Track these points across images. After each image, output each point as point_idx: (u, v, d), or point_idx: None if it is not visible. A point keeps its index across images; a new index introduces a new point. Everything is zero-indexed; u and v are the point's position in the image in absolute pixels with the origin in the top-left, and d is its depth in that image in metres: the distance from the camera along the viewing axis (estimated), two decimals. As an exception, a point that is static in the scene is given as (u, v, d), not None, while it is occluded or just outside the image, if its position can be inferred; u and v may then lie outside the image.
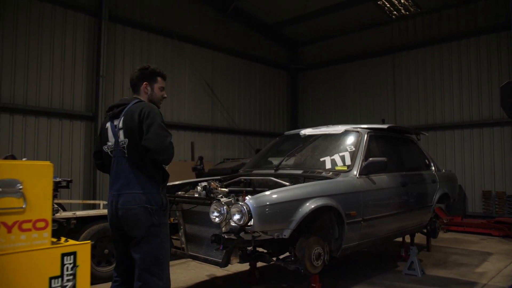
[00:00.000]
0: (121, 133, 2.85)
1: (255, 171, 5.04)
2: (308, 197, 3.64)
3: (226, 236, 3.33)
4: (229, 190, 4.09)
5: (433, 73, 10.91)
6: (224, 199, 3.57)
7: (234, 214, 3.32)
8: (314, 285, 4.12)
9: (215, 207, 3.44)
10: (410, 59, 11.39)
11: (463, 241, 7.64)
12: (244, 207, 3.27)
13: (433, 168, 6.08)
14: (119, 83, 9.67)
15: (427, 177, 5.68)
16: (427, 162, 6.06)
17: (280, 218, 3.45)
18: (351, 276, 5.20)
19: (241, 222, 3.27)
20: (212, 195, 3.89)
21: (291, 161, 4.88)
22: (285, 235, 3.47)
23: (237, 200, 3.68)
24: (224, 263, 3.50)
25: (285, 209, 3.48)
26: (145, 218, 2.77)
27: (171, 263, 5.99)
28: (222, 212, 3.39)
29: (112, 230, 2.96)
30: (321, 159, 4.58)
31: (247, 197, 3.57)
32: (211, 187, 4.26)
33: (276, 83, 14.13)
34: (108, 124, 2.95)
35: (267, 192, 3.50)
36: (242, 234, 3.38)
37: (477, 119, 10.06)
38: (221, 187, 4.53)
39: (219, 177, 5.18)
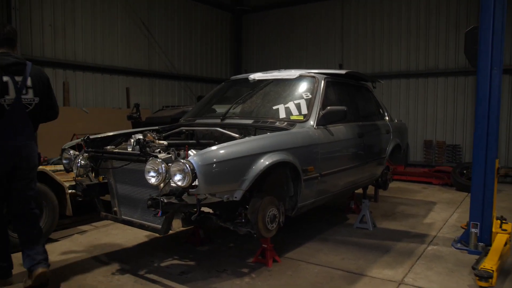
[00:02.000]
0: (30, 91, 3.19)
1: (198, 121, 4.43)
2: (262, 152, 3.13)
3: (165, 200, 2.76)
4: (168, 143, 3.48)
5: (382, 19, 10.56)
6: (162, 155, 2.96)
7: (175, 174, 2.74)
8: (265, 245, 3.75)
9: (151, 165, 2.83)
10: (360, 4, 10.92)
11: (407, 190, 7.70)
12: (187, 165, 2.69)
13: (387, 118, 5.81)
14: (37, 18, 8.32)
15: (381, 127, 5.39)
16: (381, 112, 5.77)
17: (230, 177, 2.92)
18: (302, 232, 4.91)
19: (184, 184, 2.71)
20: (148, 149, 3.27)
21: (239, 109, 4.32)
22: (236, 197, 2.97)
23: (178, 155, 3.10)
24: (164, 230, 2.97)
25: (236, 167, 2.95)
26: (38, 161, 3.38)
27: (105, 223, 5.39)
28: (160, 171, 2.79)
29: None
30: (274, 107, 4.06)
31: (190, 152, 3.00)
32: (147, 139, 3.63)
33: (220, 25, 13.14)
34: (8, 79, 3.09)
35: (214, 147, 2.94)
36: (185, 196, 2.84)
37: (423, 69, 9.98)
38: (159, 140, 3.91)
39: (157, 127, 4.52)
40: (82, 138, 3.52)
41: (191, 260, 4.03)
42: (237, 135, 3.56)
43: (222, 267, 3.82)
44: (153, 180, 2.81)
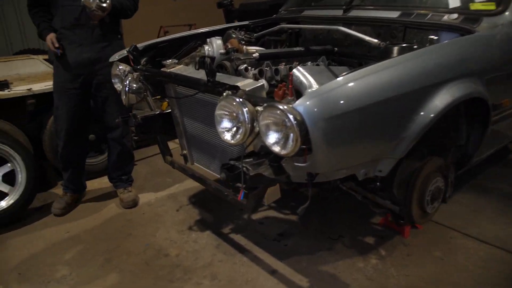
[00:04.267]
0: None
1: (306, 12, 2.93)
2: (436, 83, 1.64)
3: (251, 172, 1.53)
4: (260, 54, 2.15)
5: None
6: (246, 83, 1.67)
7: (268, 132, 1.45)
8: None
9: (225, 108, 1.57)
10: None
11: None
12: (291, 116, 1.36)
13: None
14: None
15: None
16: None
17: (373, 136, 1.54)
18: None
19: (286, 151, 1.42)
20: (231, 63, 2.02)
21: (374, -8, 2.70)
22: (380, 172, 1.63)
23: (276, 73, 1.78)
24: (251, 209, 1.81)
25: (388, 116, 1.53)
26: None
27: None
28: (241, 119, 1.52)
29: None
30: (438, -11, 2.38)
31: (297, 73, 1.65)
32: (229, 46, 2.36)
33: None
34: None
35: (341, 78, 1.51)
36: (285, 163, 1.57)
37: None
38: (249, 44, 2.62)
39: (246, 22, 3.14)
40: (129, 47, 2.32)
41: (294, 213, 2.94)
42: (375, 40, 2.06)
43: (336, 233, 2.67)
44: (228, 137, 1.57)
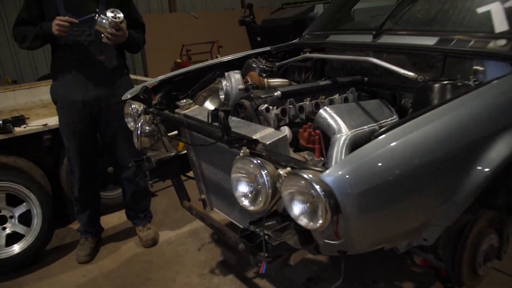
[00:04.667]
0: None
1: (332, 38, 2.71)
2: (489, 133, 1.38)
3: (274, 240, 1.33)
4: (281, 93, 1.96)
5: None
6: (266, 134, 1.48)
7: (292, 201, 1.25)
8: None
9: (241, 170, 1.38)
10: None
11: None
12: (318, 187, 1.13)
13: None
14: None
15: None
16: None
17: (419, 205, 1.29)
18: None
19: (315, 225, 1.19)
20: (248, 102, 1.84)
21: (406, 15, 2.45)
22: (426, 241, 1.39)
23: (299, 111, 1.59)
24: (274, 272, 1.59)
25: (435, 180, 1.28)
26: None
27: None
28: (261, 182, 1.32)
29: None
30: (480, 9, 2.11)
31: (324, 114, 1.45)
32: (248, 81, 2.19)
33: None
34: None
35: (381, 138, 1.25)
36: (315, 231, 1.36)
37: None
38: (270, 73, 2.45)
39: (268, 48, 2.94)
40: (140, 89, 2.17)
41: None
42: (411, 74, 1.83)
43: (370, 277, 2.43)
44: (247, 203, 1.38)
